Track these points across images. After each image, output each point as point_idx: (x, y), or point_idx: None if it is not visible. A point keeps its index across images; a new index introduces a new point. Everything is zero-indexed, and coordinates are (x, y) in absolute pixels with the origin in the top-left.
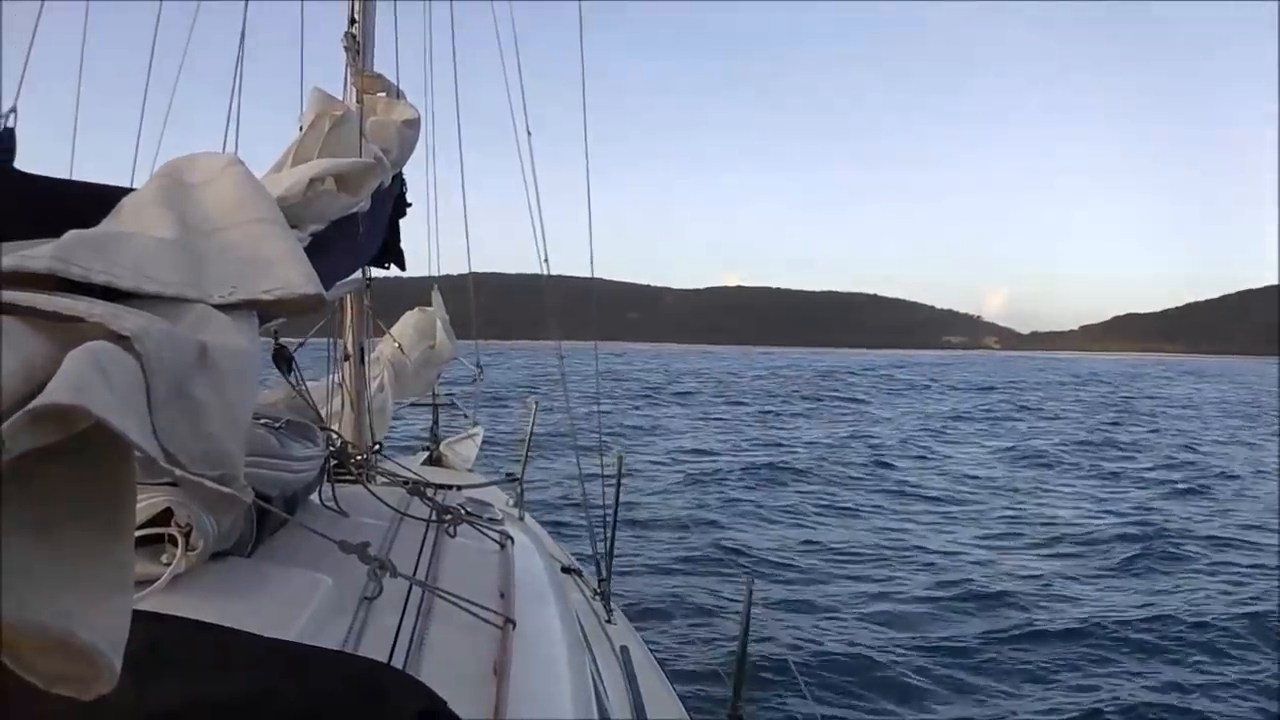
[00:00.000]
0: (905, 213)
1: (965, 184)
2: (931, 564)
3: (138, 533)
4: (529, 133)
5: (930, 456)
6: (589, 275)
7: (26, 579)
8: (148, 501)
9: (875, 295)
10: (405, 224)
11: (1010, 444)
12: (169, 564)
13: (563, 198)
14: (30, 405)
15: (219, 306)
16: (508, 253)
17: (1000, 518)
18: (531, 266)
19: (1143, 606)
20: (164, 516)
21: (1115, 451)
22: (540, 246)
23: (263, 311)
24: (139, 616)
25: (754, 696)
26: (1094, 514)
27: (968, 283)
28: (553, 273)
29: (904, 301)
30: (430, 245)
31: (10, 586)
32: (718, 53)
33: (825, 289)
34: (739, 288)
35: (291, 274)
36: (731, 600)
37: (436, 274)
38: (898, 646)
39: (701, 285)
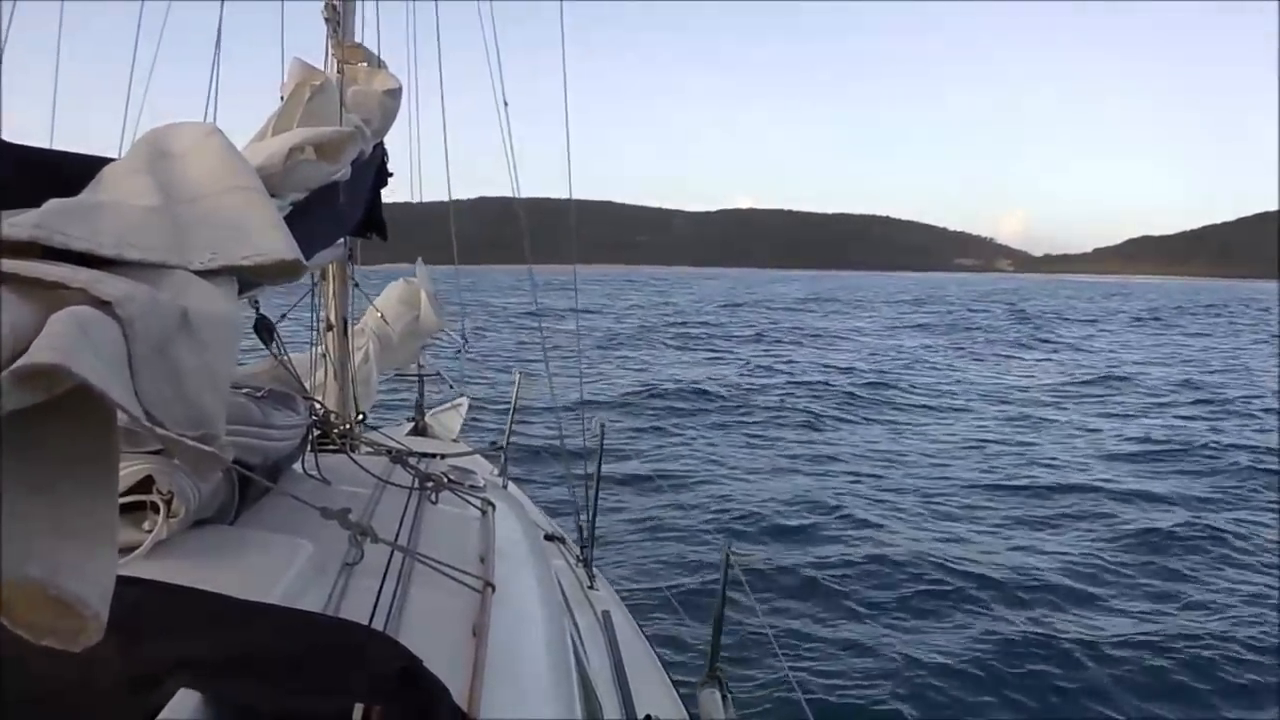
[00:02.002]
0: (920, 134)
1: (981, 106)
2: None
3: (119, 500)
4: (505, 102)
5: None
6: (601, 200)
7: (18, 534)
8: (129, 469)
9: (888, 217)
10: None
11: None
12: (151, 531)
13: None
14: (14, 365)
15: (200, 273)
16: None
17: None
18: (546, 190)
19: None
20: (145, 484)
21: None
22: (514, 179)
23: (243, 278)
24: (121, 581)
25: (731, 658)
26: None
27: (982, 205)
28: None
29: (917, 224)
30: (413, 174)
31: (5, 541)
32: None
33: (839, 211)
34: (751, 210)
35: (271, 240)
36: (714, 564)
37: (447, 199)
38: (874, 605)
39: (713, 208)
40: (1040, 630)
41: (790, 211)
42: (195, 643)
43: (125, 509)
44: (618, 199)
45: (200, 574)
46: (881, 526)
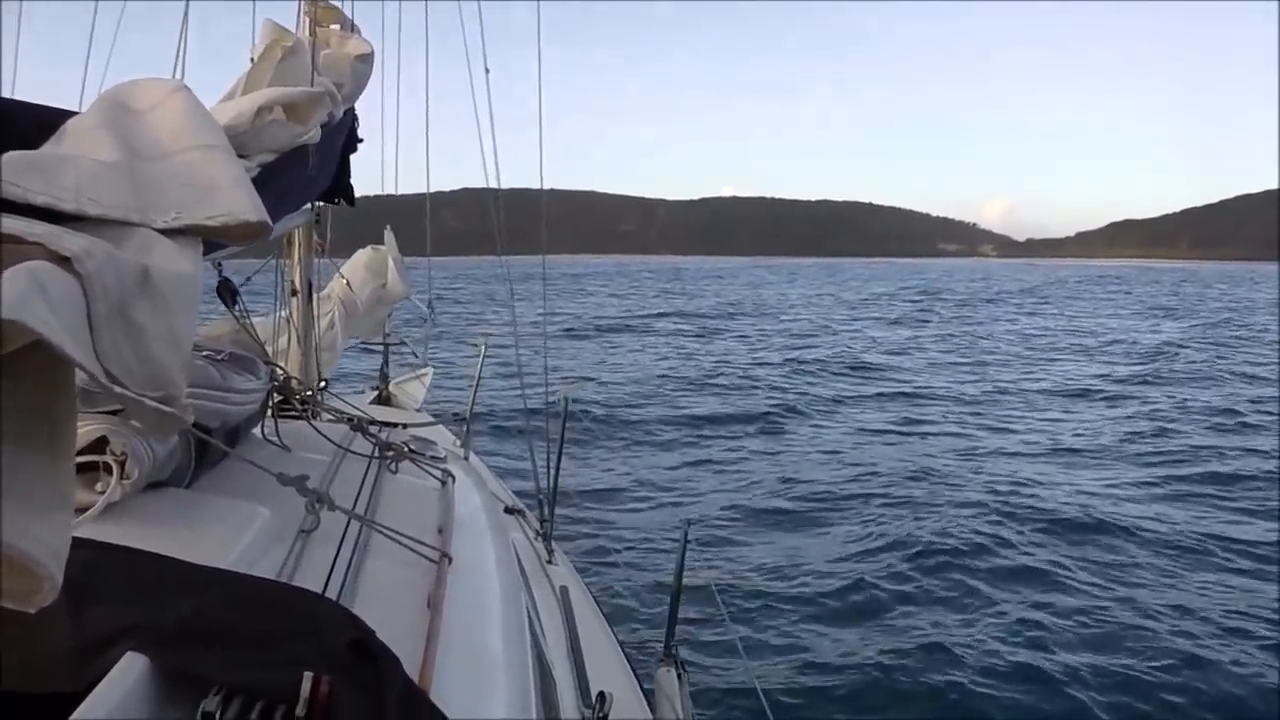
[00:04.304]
0: (902, 121)
1: (962, 92)
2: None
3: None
4: (486, 70)
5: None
6: (585, 190)
7: None
8: (83, 429)
9: (871, 204)
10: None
11: None
12: (104, 492)
13: (550, 108)
14: None
15: (163, 231)
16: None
17: None
18: (527, 180)
19: None
20: (99, 445)
21: None
22: (494, 170)
23: (207, 238)
24: (73, 544)
25: (688, 634)
26: None
27: (965, 191)
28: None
29: (900, 210)
30: (383, 169)
31: None
32: None
33: (822, 198)
34: (734, 198)
35: (237, 201)
36: (673, 540)
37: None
38: (826, 582)
39: (696, 196)
40: (994, 619)
41: (773, 199)
42: (144, 607)
43: (78, 469)
44: (600, 188)
45: (153, 537)
46: (842, 507)
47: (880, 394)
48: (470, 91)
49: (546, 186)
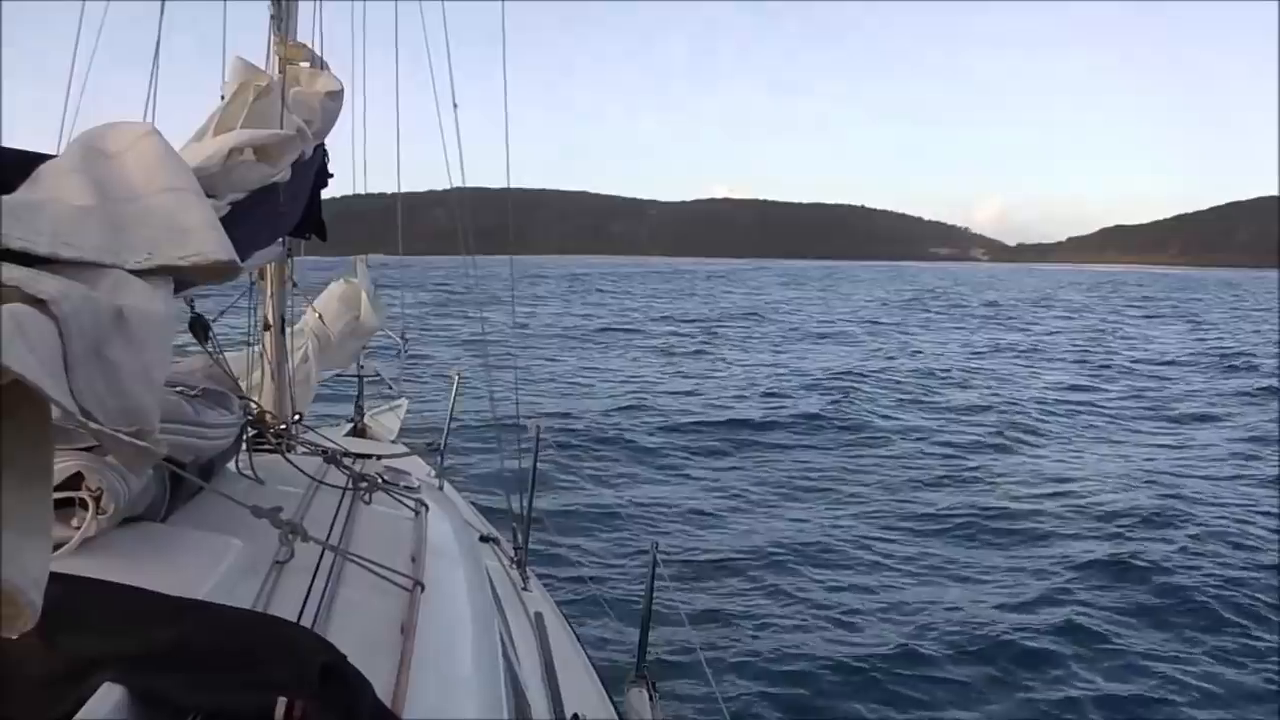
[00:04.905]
0: (895, 125)
1: (955, 96)
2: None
3: None
4: (455, 104)
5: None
6: (577, 190)
7: None
8: (59, 465)
9: (864, 207)
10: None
11: None
12: (80, 527)
13: (541, 103)
14: None
15: (135, 272)
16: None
17: None
18: (516, 179)
19: None
20: (75, 481)
21: None
22: (458, 169)
23: (179, 277)
24: (50, 578)
25: (658, 657)
26: None
27: (957, 196)
28: (540, 186)
29: (892, 213)
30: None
31: None
32: None
33: (815, 201)
34: (726, 200)
35: (206, 241)
36: (644, 564)
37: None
38: (800, 602)
39: (688, 197)
40: (957, 630)
41: (766, 201)
42: (120, 638)
43: (54, 505)
44: (592, 189)
45: (129, 571)
46: (809, 521)
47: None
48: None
49: (538, 186)
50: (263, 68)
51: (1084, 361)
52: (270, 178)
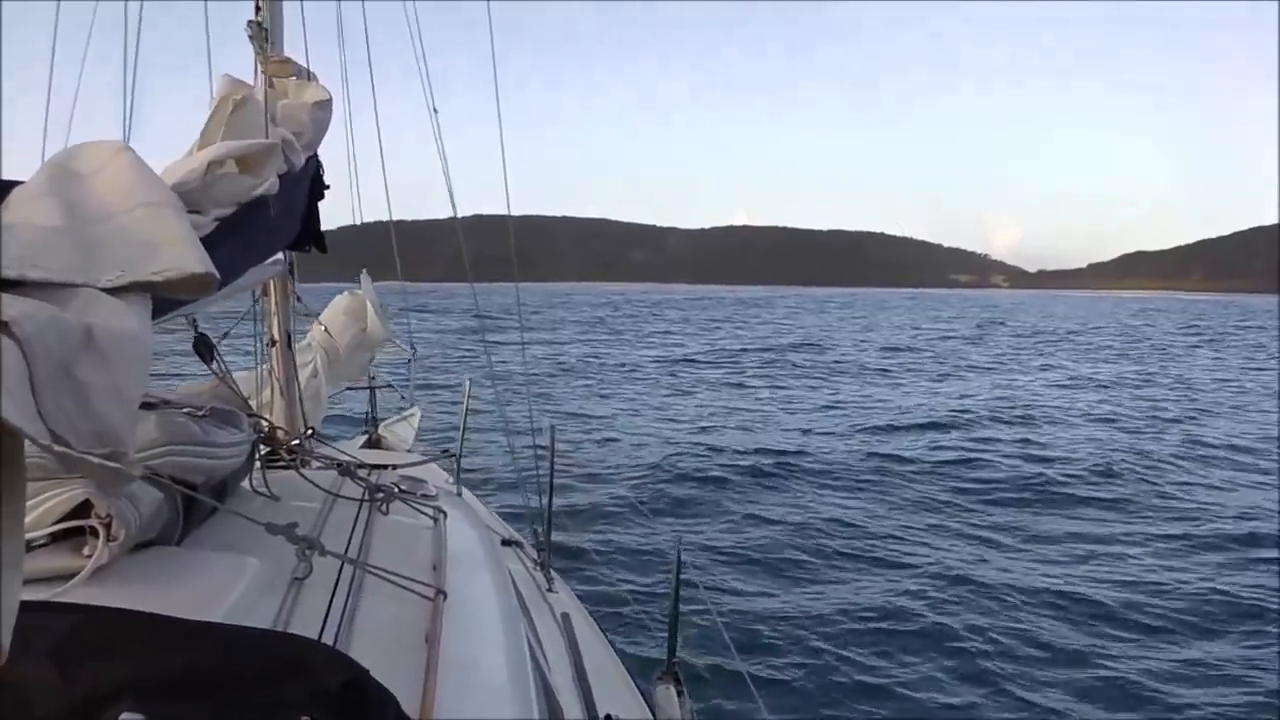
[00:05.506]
0: (913, 151)
1: (973, 123)
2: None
3: (57, 527)
4: (434, 110)
5: None
6: (596, 216)
7: None
8: (65, 495)
9: (883, 234)
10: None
11: None
12: (91, 556)
13: (558, 132)
14: None
15: (109, 290)
16: (524, 194)
17: None
18: (537, 207)
19: None
20: (84, 509)
21: None
22: (451, 196)
23: (159, 294)
24: (60, 608)
25: (689, 653)
26: None
27: (975, 222)
28: (559, 213)
29: (912, 240)
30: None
31: None
32: None
33: (834, 227)
34: (746, 227)
35: (181, 255)
36: (668, 559)
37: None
38: (823, 597)
39: (709, 224)
40: (1005, 637)
41: (785, 228)
42: (136, 666)
43: (64, 535)
44: (612, 216)
45: (145, 597)
46: (836, 516)
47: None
48: (475, 125)
49: (558, 214)
50: (249, 84)
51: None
52: (255, 189)
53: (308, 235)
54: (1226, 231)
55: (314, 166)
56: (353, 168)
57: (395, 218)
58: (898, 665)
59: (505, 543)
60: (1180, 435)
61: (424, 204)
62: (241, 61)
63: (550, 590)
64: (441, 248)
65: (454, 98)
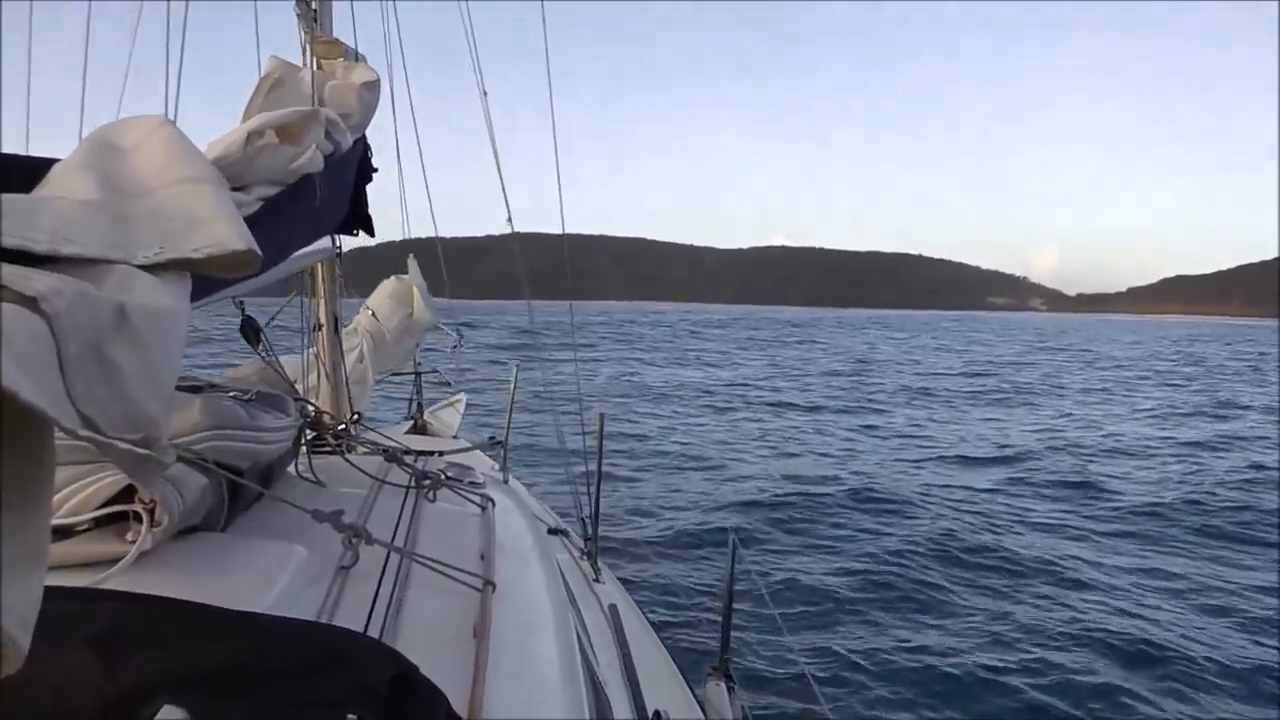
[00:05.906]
0: (951, 172)
1: (1012, 144)
2: (921, 512)
3: (100, 512)
4: (484, 93)
5: None
6: (635, 236)
7: None
8: (111, 479)
9: (920, 255)
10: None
11: None
12: (135, 542)
13: (602, 158)
14: None
15: (146, 267)
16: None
17: None
18: (576, 226)
19: None
20: (128, 494)
21: None
22: (507, 206)
23: (201, 273)
24: (100, 596)
25: (742, 648)
26: None
27: (1014, 244)
28: (598, 232)
29: (949, 262)
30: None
31: None
32: (765, 8)
33: (871, 249)
34: (783, 247)
35: (221, 231)
36: (720, 553)
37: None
38: (889, 593)
39: (745, 245)
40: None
41: (822, 249)
42: (178, 657)
43: (107, 520)
44: (650, 235)
45: (188, 584)
46: (901, 511)
47: None
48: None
49: (597, 233)
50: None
51: None
52: (297, 158)
53: (355, 218)
54: (1269, 256)
55: (361, 148)
56: (400, 180)
57: (434, 235)
58: (965, 671)
59: (552, 531)
60: None
61: (459, 222)
62: (290, 43)
63: (598, 581)
64: (475, 267)
65: (501, 110)
